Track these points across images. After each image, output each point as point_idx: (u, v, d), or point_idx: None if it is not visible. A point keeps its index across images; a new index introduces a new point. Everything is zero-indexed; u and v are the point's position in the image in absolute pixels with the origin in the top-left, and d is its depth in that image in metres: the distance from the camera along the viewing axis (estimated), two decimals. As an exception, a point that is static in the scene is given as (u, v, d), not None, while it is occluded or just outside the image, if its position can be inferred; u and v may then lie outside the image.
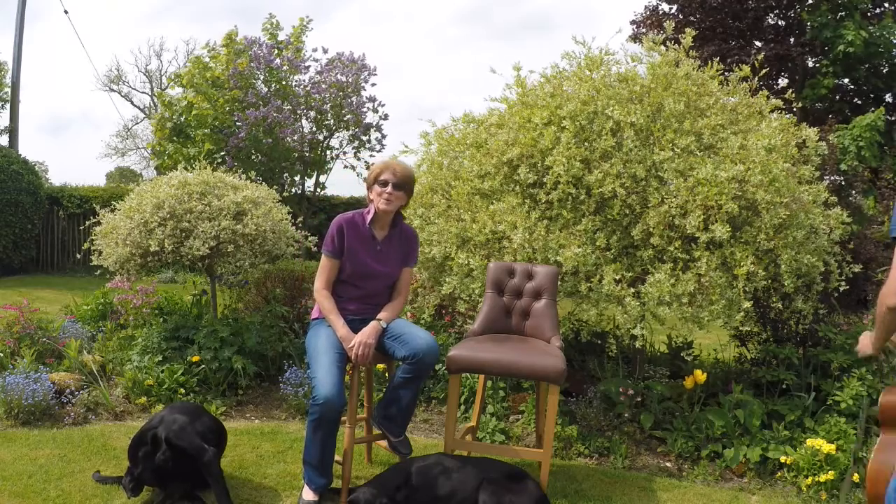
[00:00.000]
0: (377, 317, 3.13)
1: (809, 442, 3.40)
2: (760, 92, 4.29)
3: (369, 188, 3.22)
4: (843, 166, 5.09)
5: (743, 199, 3.56)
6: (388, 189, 3.14)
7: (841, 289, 3.85)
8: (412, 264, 3.34)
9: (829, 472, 3.27)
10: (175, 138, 11.14)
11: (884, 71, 12.78)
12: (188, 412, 3.14)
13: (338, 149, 11.94)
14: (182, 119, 11.06)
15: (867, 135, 10.45)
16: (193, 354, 4.47)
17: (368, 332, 3.06)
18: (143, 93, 31.95)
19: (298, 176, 11.88)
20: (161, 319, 5.28)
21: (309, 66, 11.51)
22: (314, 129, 11.50)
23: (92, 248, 5.03)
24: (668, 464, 3.70)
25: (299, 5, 45.41)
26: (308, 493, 3.00)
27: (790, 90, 5.78)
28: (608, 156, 3.77)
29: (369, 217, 3.20)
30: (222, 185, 4.93)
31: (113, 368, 4.74)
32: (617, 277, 3.61)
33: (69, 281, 11.00)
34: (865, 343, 2.49)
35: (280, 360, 4.85)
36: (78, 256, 10.62)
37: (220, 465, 3.04)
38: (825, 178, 4.75)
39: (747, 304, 3.45)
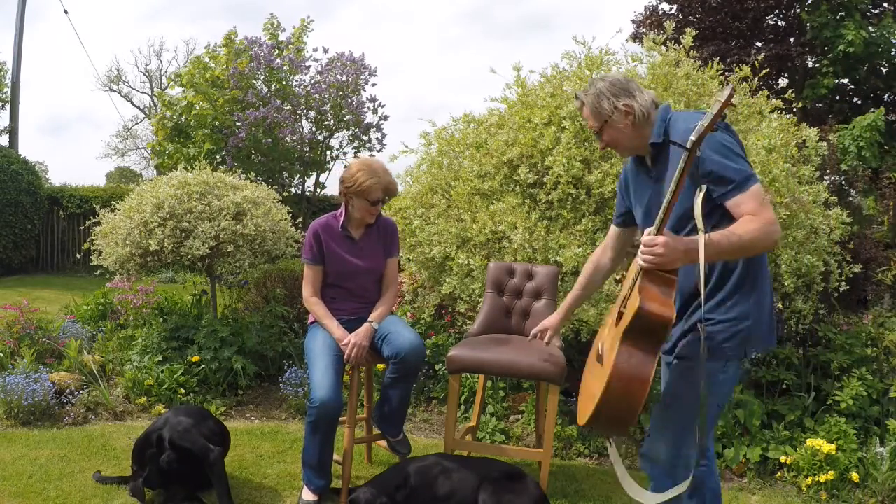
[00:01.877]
0: (369, 318, 3.13)
1: (809, 442, 3.40)
2: (760, 92, 4.28)
3: (349, 195, 3.10)
4: (843, 166, 5.09)
5: (743, 199, 3.55)
6: (379, 207, 3.14)
7: (841, 289, 3.85)
8: (395, 254, 3.32)
9: (829, 472, 3.27)
10: (175, 138, 11.14)
11: (884, 71, 12.78)
12: (193, 415, 3.16)
13: (338, 149, 11.94)
14: (182, 119, 11.06)
15: (867, 135, 10.45)
16: (193, 354, 4.47)
17: (362, 334, 3.06)
18: (143, 93, 31.89)
19: (298, 176, 11.89)
20: (161, 319, 5.28)
21: (309, 67, 11.51)
22: (314, 129, 11.50)
23: (92, 248, 5.03)
24: (668, 464, 3.69)
25: (299, 5, 45.43)
26: (307, 494, 3.00)
27: (790, 90, 5.78)
28: (608, 156, 3.77)
29: (342, 219, 3.18)
30: (222, 185, 4.93)
31: (113, 368, 4.74)
32: (617, 277, 3.60)
33: (69, 281, 10.99)
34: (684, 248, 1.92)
35: (280, 360, 4.85)
36: (78, 256, 10.61)
37: (224, 465, 3.05)
38: (825, 178, 4.75)
39: (747, 304, 3.44)
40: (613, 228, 2.52)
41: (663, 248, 1.92)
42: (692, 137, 1.86)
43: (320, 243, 3.17)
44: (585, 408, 2.12)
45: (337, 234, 3.18)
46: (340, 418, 3.00)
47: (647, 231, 2.00)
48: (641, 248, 1.97)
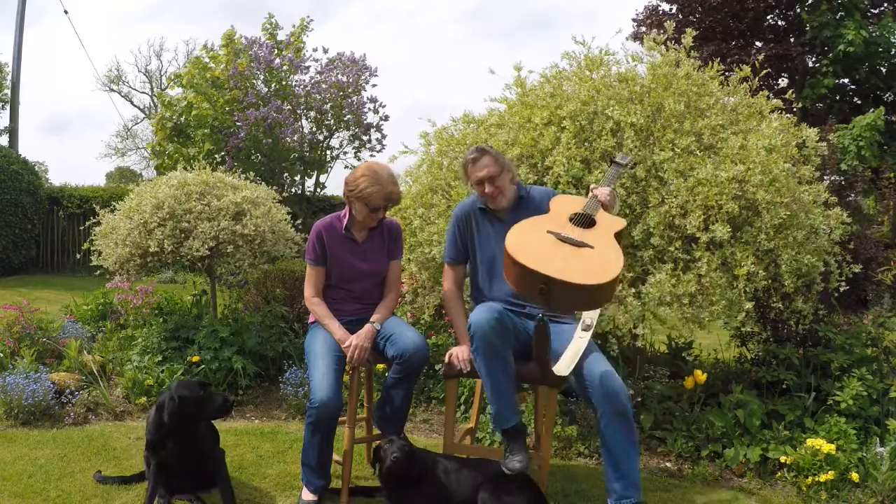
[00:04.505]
0: (371, 319, 3.13)
1: (809, 442, 3.40)
2: (760, 92, 4.28)
3: (351, 198, 3.09)
4: (843, 166, 5.09)
5: (743, 200, 3.55)
6: (380, 214, 3.13)
7: (841, 289, 3.85)
8: (399, 256, 3.30)
9: (829, 472, 3.27)
10: (175, 138, 11.15)
11: (884, 71, 12.79)
12: None
13: (338, 149, 11.96)
14: (182, 119, 11.07)
15: (867, 134, 10.46)
16: (193, 354, 4.47)
17: (363, 336, 3.05)
18: (143, 93, 31.96)
19: (298, 176, 11.89)
20: (161, 319, 5.28)
21: (309, 67, 11.51)
22: (314, 129, 11.51)
23: (92, 248, 5.03)
24: (668, 464, 3.70)
25: (299, 5, 45.45)
26: (307, 494, 3.00)
27: (790, 90, 5.76)
28: (608, 155, 3.77)
29: (345, 220, 3.17)
30: (222, 186, 4.93)
31: (113, 368, 4.74)
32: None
33: (69, 281, 10.99)
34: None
35: (280, 360, 4.85)
36: (78, 256, 10.62)
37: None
38: (825, 178, 4.75)
39: (748, 305, 3.44)
40: (452, 268, 3.23)
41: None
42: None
43: (323, 244, 3.15)
44: (609, 269, 2.60)
45: (340, 236, 3.17)
46: (340, 418, 3.00)
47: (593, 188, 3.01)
48: (603, 192, 2.94)
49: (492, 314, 2.78)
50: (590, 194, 2.97)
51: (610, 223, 2.84)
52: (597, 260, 2.64)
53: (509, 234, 2.79)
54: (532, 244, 2.72)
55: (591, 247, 2.69)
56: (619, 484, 2.75)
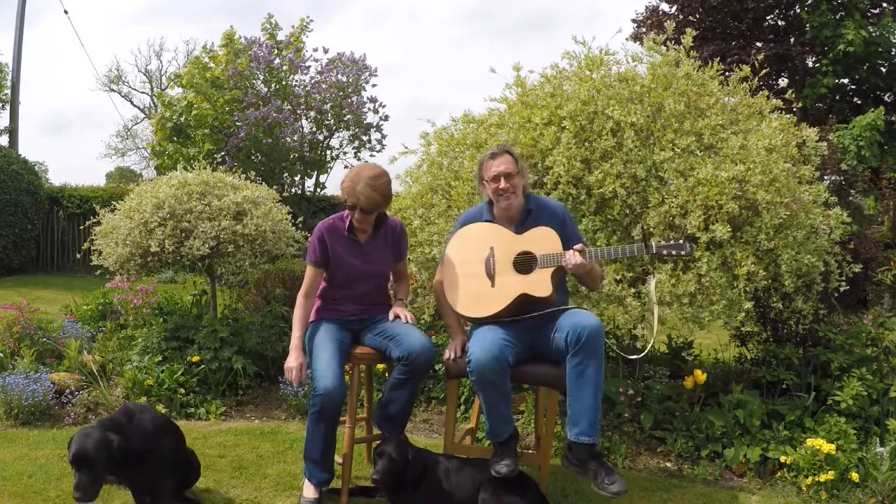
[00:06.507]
0: (398, 297, 3.31)
1: (809, 442, 3.40)
2: (760, 92, 4.28)
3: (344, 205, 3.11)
4: (843, 166, 5.08)
5: (743, 199, 3.55)
6: (357, 215, 3.07)
7: (841, 289, 3.85)
8: (404, 257, 3.32)
9: (829, 472, 3.27)
10: (175, 138, 11.14)
11: (884, 71, 12.78)
12: (158, 423, 2.91)
13: (338, 149, 11.94)
14: (182, 119, 11.05)
15: (867, 134, 10.46)
16: (193, 354, 4.47)
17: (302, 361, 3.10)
18: (143, 93, 31.96)
19: (298, 176, 11.88)
20: (161, 319, 5.28)
21: (309, 67, 11.50)
22: (314, 129, 11.50)
23: (92, 248, 5.03)
24: (668, 464, 3.70)
25: (299, 5, 45.44)
26: (309, 491, 2.99)
27: (790, 90, 5.77)
28: (608, 156, 3.76)
29: (348, 221, 3.16)
30: (222, 186, 4.93)
31: (113, 368, 4.74)
32: (617, 277, 3.60)
33: (69, 281, 11.00)
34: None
35: (280, 360, 4.84)
36: (78, 256, 10.63)
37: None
38: (825, 178, 4.75)
39: (748, 305, 3.44)
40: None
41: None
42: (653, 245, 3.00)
43: (325, 246, 3.15)
44: (482, 306, 2.97)
45: (342, 237, 3.16)
46: (340, 418, 3.00)
47: (579, 249, 2.89)
48: (574, 260, 2.86)
49: (490, 353, 2.77)
50: (571, 251, 2.90)
51: (534, 284, 2.92)
52: (479, 294, 2.97)
53: (471, 228, 3.10)
54: (469, 247, 3.06)
55: (492, 285, 2.97)
56: (585, 421, 2.80)
